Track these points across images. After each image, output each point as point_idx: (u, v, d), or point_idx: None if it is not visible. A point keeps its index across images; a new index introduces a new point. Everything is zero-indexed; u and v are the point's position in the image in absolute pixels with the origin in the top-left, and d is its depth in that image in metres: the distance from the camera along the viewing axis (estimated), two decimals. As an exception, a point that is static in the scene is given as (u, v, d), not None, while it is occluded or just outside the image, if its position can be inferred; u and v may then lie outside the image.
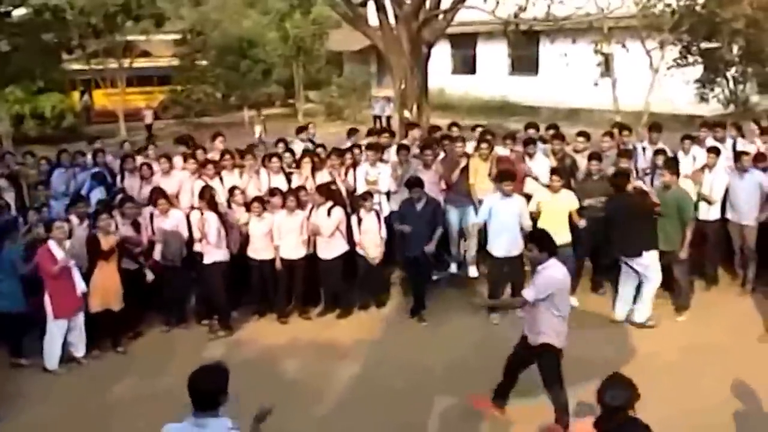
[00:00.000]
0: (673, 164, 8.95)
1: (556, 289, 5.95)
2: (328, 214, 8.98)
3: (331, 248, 9.07)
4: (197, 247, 8.85)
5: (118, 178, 10.41)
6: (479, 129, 11.25)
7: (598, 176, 9.16)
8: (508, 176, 8.82)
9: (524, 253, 6.16)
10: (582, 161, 9.65)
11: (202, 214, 8.68)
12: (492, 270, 9.14)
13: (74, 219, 8.62)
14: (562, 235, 8.86)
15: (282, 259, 9.00)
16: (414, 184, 8.96)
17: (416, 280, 9.27)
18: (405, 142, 10.93)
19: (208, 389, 3.94)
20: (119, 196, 9.42)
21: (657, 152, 9.67)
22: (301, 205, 9.06)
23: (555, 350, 6.08)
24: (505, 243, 8.73)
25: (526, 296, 6.00)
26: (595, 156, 9.35)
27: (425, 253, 8.96)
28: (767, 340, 8.04)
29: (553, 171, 9.08)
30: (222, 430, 3.94)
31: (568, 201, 8.89)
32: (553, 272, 5.95)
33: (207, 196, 8.79)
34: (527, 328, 6.26)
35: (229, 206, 9.24)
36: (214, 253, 8.70)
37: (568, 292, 6.32)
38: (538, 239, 6.09)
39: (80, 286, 7.99)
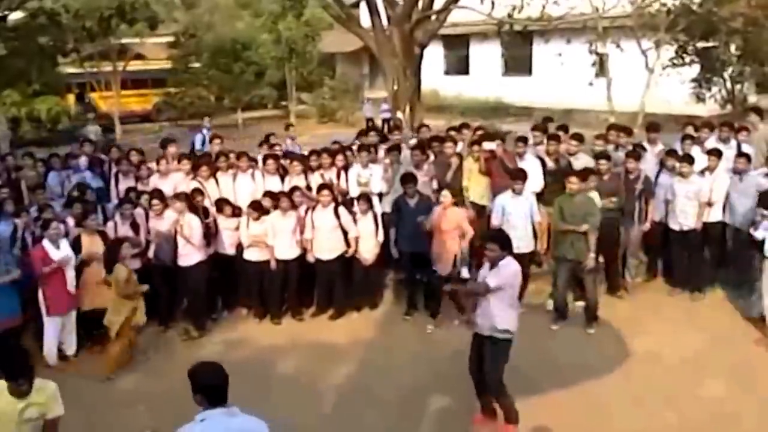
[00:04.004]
0: (582, 171, 8.73)
1: (515, 281, 6.30)
2: (336, 214, 8.95)
3: (331, 249, 9.03)
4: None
5: (112, 182, 10.31)
6: (518, 135, 11.07)
7: (608, 176, 9.05)
8: (518, 175, 8.82)
9: (486, 252, 6.31)
10: (576, 163, 9.55)
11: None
12: None
13: (70, 221, 8.62)
14: None
15: (276, 260, 8.98)
16: (408, 179, 8.95)
17: (413, 278, 9.18)
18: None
19: (220, 383, 4.04)
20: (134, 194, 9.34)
21: (668, 152, 9.54)
22: (294, 206, 9.04)
23: (510, 336, 6.31)
24: (515, 240, 8.68)
25: (490, 283, 6.17)
26: (604, 155, 9.30)
27: (422, 252, 8.88)
28: (764, 343, 8.02)
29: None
30: (247, 415, 4.07)
31: None
32: (514, 266, 6.26)
33: (183, 199, 8.74)
34: (480, 323, 6.36)
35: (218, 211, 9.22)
36: (194, 255, 8.69)
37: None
38: (499, 239, 6.32)
39: (72, 285, 8.00)
